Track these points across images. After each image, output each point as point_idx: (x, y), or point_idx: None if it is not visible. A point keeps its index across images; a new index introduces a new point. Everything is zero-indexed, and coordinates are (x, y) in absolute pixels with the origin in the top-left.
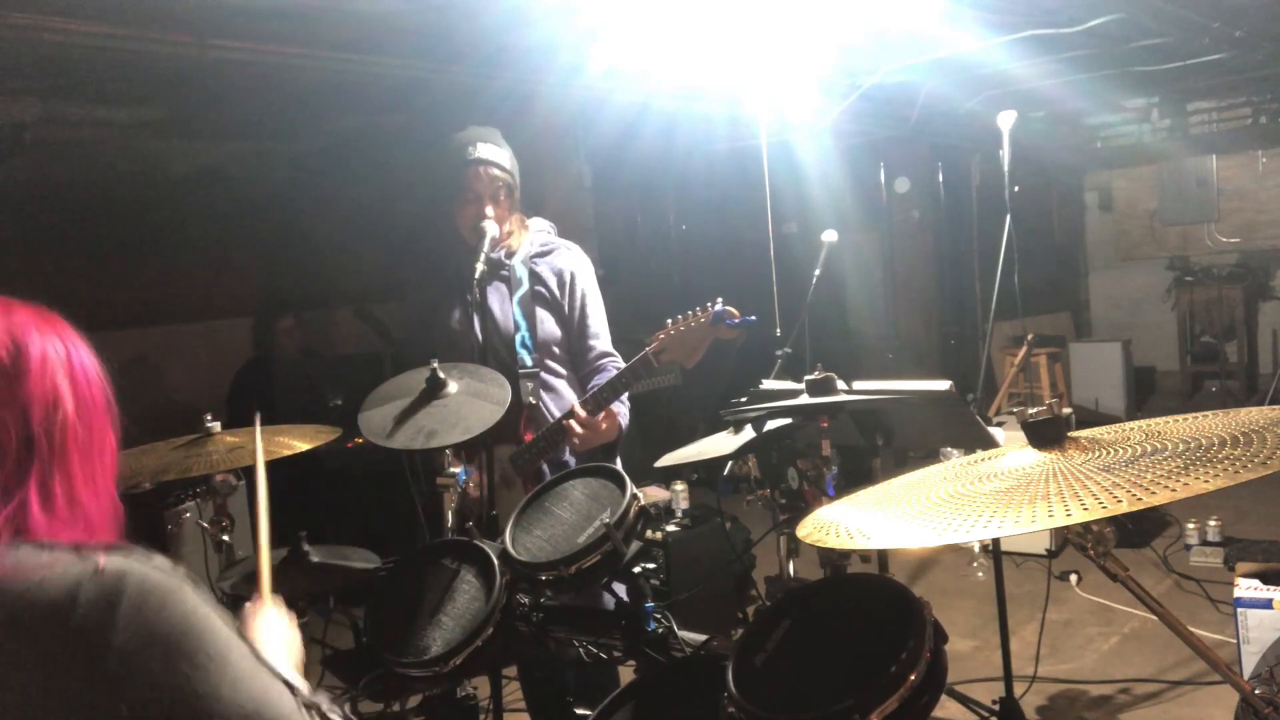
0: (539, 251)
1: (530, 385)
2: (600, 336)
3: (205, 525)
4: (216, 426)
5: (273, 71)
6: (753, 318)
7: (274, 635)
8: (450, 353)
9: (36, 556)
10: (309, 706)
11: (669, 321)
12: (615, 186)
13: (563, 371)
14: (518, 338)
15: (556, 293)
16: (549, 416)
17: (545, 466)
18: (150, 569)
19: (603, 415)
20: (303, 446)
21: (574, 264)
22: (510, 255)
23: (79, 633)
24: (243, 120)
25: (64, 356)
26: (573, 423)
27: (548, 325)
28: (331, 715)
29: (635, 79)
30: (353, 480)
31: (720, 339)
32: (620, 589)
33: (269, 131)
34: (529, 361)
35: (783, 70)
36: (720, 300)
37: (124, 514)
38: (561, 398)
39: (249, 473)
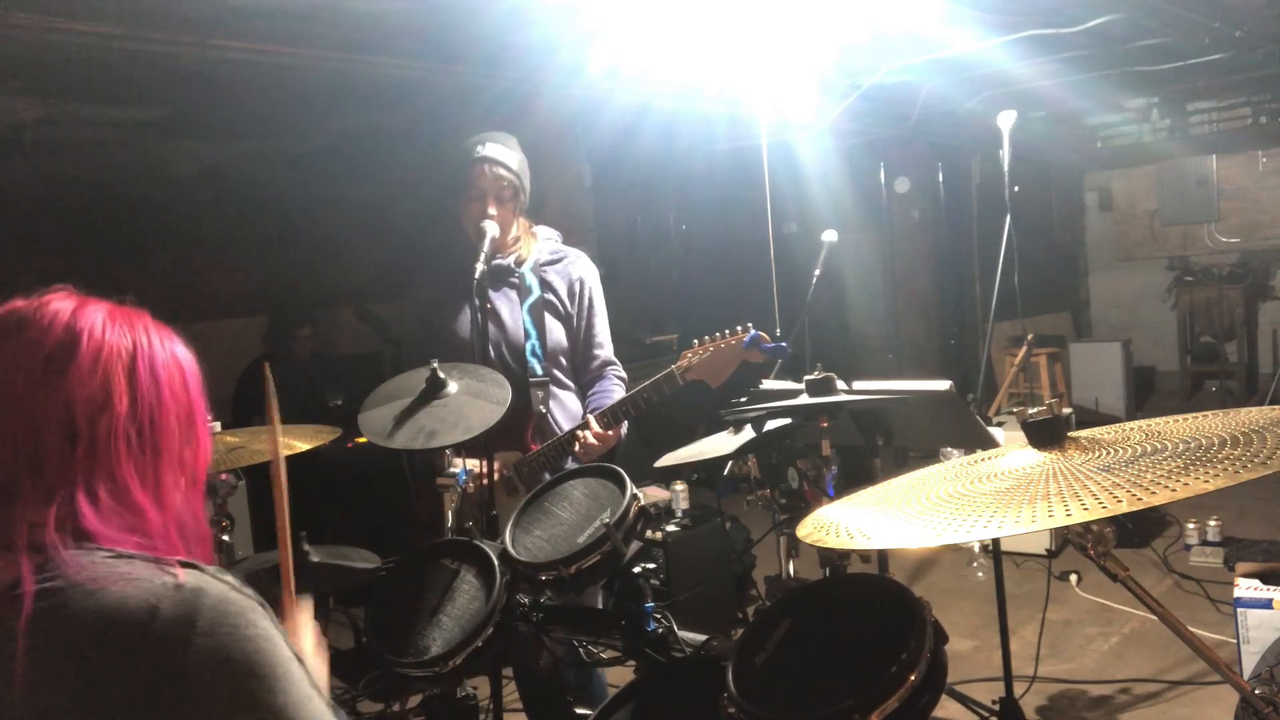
0: (548, 260)
1: (540, 394)
2: (605, 346)
3: None
4: (216, 426)
5: (273, 71)
6: (784, 345)
7: (309, 648)
8: (453, 355)
9: (115, 566)
10: None
11: (696, 341)
12: (615, 186)
13: (568, 382)
14: (528, 346)
15: (567, 301)
16: (556, 427)
17: (547, 476)
18: (227, 588)
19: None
20: (303, 446)
21: (585, 271)
22: (520, 263)
23: (157, 647)
24: (243, 120)
25: (129, 354)
26: (587, 434)
27: (556, 334)
28: None
29: (635, 79)
30: (353, 480)
31: (749, 362)
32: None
33: (269, 131)
34: (539, 370)
35: (783, 70)
36: (752, 326)
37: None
38: (567, 409)
39: (249, 472)
